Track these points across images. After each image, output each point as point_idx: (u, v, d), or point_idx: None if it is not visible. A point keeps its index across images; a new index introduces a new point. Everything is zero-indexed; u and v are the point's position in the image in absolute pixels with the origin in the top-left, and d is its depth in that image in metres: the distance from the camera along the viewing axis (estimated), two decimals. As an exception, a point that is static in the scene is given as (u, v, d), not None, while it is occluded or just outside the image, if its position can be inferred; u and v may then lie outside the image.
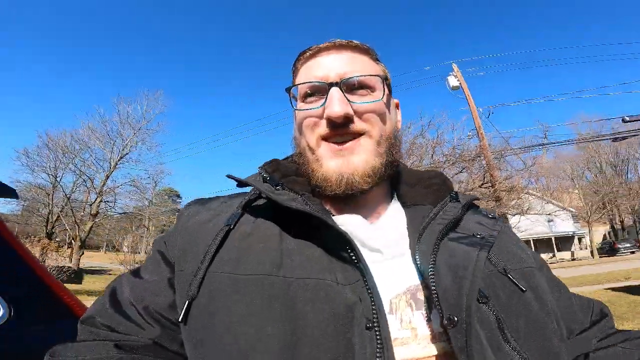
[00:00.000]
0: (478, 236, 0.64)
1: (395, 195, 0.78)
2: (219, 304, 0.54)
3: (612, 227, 41.09)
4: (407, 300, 0.56)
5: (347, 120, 0.65)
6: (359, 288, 0.53)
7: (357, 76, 0.68)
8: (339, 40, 0.72)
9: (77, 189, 24.81)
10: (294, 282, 0.54)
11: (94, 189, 23.57)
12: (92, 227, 22.96)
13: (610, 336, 0.68)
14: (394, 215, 0.71)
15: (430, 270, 0.56)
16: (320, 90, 0.69)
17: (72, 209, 22.99)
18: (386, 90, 0.71)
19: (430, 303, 0.54)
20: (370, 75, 0.70)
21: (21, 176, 23.48)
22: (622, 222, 39.33)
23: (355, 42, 0.73)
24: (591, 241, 32.05)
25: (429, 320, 0.54)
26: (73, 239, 22.90)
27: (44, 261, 15.74)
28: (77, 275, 17.43)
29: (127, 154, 24.53)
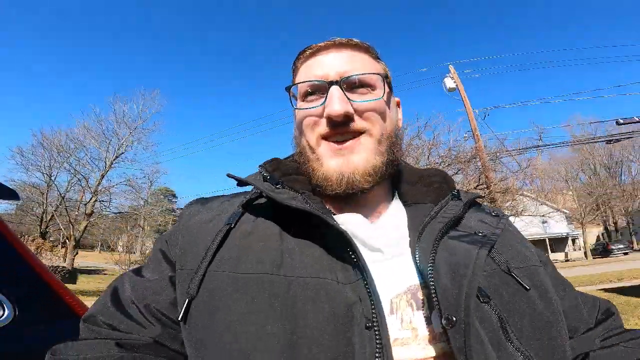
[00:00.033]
0: (480, 234, 0.63)
1: (396, 194, 0.77)
2: (219, 302, 0.54)
3: (606, 228, 41.45)
4: (408, 300, 0.55)
5: (348, 118, 0.65)
6: (359, 287, 0.53)
7: (357, 74, 0.68)
8: (338, 38, 0.72)
9: (72, 188, 24.63)
10: (294, 280, 0.54)
11: (89, 188, 23.41)
12: (86, 226, 22.79)
13: (615, 335, 0.67)
14: (395, 214, 0.71)
15: (430, 269, 0.55)
16: (320, 89, 0.68)
17: (66, 209, 22.81)
18: (387, 88, 0.71)
19: (431, 303, 0.53)
20: (371, 73, 0.69)
21: (15, 175, 23.29)
22: (615, 223, 39.72)
23: (355, 40, 0.72)
24: (585, 242, 32.26)
25: (429, 320, 0.53)
26: (67, 238, 22.74)
27: (38, 261, 15.52)
28: (72, 275, 17.28)
29: (122, 153, 24.39)
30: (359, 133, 0.67)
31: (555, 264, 0.75)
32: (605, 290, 9.88)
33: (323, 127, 0.67)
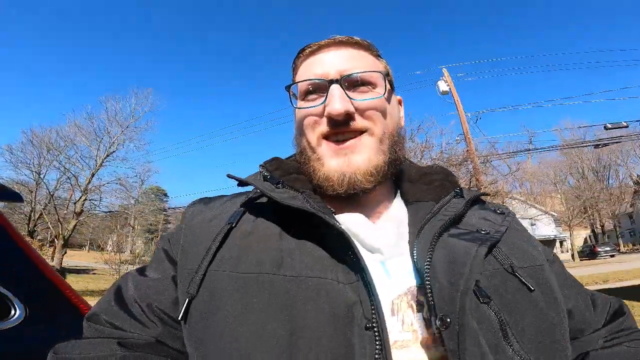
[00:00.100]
0: (482, 232, 0.61)
1: (398, 193, 0.76)
2: (219, 302, 0.54)
3: (593, 231, 42.14)
4: (408, 302, 0.54)
5: (348, 117, 0.64)
6: (360, 288, 0.52)
7: (358, 72, 0.67)
8: (339, 36, 0.71)
9: (61, 186, 24.24)
10: (294, 280, 0.53)
11: (79, 186, 23.04)
12: (75, 225, 22.46)
13: (622, 335, 0.64)
14: (396, 213, 0.70)
15: (426, 268, 0.53)
16: (320, 87, 0.68)
17: (55, 207, 22.46)
18: (388, 86, 0.70)
19: (429, 303, 0.52)
20: (371, 71, 0.68)
21: (4, 173, 22.87)
22: (602, 226, 40.39)
23: (355, 38, 0.72)
24: (572, 245, 32.61)
25: (429, 322, 0.52)
26: (56, 237, 22.32)
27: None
28: (60, 274, 16.96)
29: (114, 151, 24.06)
30: (360, 132, 0.66)
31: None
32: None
33: (324, 127, 0.66)
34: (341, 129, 0.65)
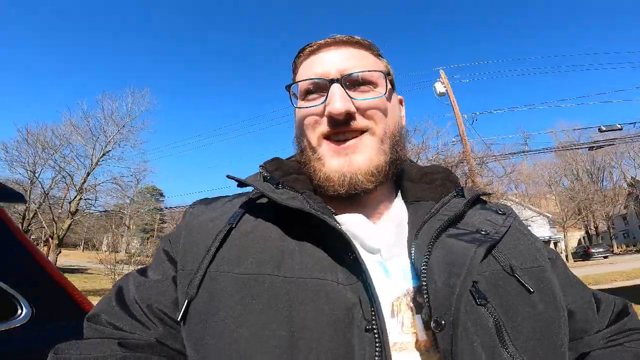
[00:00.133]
0: (482, 232, 0.60)
1: (399, 192, 0.75)
2: (219, 303, 0.54)
3: (587, 232, 42.44)
4: (408, 303, 0.54)
5: (349, 117, 0.64)
6: (359, 289, 0.52)
7: (359, 72, 0.66)
8: (339, 35, 0.70)
9: (56, 185, 24.08)
10: (294, 281, 0.53)
11: (74, 185, 22.88)
12: (70, 224, 22.30)
13: (625, 336, 0.64)
14: (397, 213, 0.69)
15: (423, 269, 0.53)
16: (320, 87, 0.67)
17: (50, 206, 22.29)
18: (389, 86, 0.70)
19: (426, 305, 0.51)
20: (372, 70, 0.68)
21: (-2, 171, 22.71)
22: (596, 228, 40.67)
23: (356, 37, 0.71)
24: (566, 246, 32.77)
25: (428, 323, 0.51)
26: (50, 236, 22.17)
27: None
28: (55, 274, 16.84)
29: (109, 151, 23.94)
30: (361, 132, 0.65)
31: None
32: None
33: (324, 126, 0.66)
34: (342, 128, 0.65)
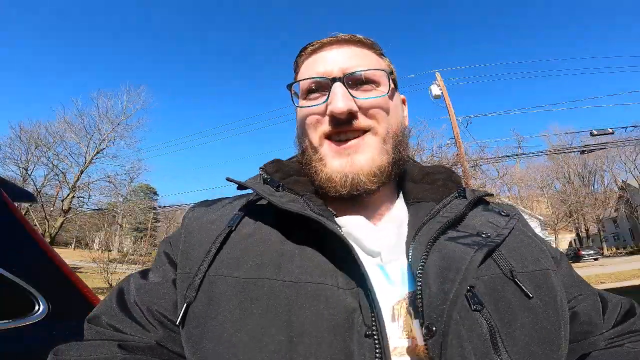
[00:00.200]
0: (483, 235, 0.59)
1: (401, 193, 0.74)
2: (217, 307, 0.53)
3: (578, 234, 42.79)
4: (407, 307, 0.52)
5: (351, 116, 0.63)
6: (359, 294, 0.51)
7: (361, 71, 0.65)
8: (341, 34, 0.70)
9: (48, 183, 23.86)
10: (293, 285, 0.52)
11: (67, 183, 22.69)
12: (63, 222, 22.10)
13: (629, 337, 0.63)
14: (398, 214, 0.68)
15: (419, 273, 0.52)
16: (322, 86, 0.66)
17: (42, 204, 22.07)
18: (391, 85, 0.69)
19: (420, 310, 0.50)
20: (375, 69, 0.67)
21: (-10, 168, 22.44)
22: (587, 230, 41.01)
23: (358, 36, 0.71)
24: (557, 248, 33.09)
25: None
26: (42, 234, 21.91)
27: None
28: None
29: (104, 149, 23.77)
30: (363, 131, 0.65)
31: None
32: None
33: (326, 126, 0.65)
34: (344, 128, 0.64)
